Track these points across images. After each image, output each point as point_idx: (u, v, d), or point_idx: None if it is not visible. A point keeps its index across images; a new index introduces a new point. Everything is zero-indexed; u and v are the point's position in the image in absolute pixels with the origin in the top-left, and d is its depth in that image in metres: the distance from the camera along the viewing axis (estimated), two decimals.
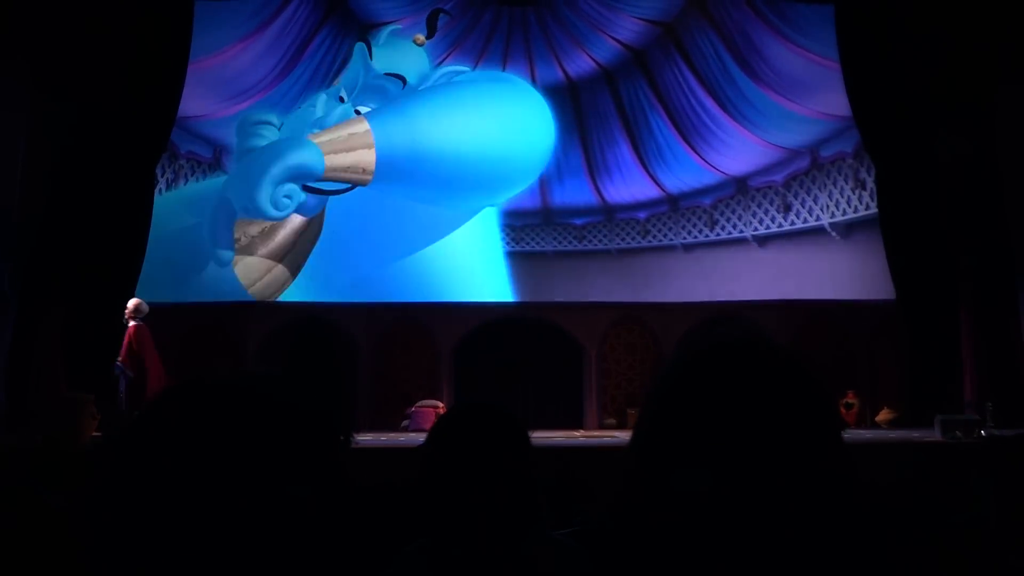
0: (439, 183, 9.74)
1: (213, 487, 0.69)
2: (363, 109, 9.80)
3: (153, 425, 0.73)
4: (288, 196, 9.48)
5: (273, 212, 9.47)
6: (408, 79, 9.89)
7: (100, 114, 8.73)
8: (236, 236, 9.55)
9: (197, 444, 0.71)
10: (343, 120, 9.75)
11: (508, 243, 9.98)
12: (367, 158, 9.60)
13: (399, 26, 10.04)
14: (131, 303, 8.07)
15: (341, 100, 9.81)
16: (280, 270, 9.63)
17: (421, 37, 9.91)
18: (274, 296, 9.59)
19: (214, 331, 9.43)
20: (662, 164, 10.08)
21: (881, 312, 9.37)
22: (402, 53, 9.92)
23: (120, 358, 7.84)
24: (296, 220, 9.69)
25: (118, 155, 8.87)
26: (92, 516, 0.72)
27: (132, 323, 7.95)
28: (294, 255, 9.70)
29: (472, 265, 9.88)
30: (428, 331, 9.67)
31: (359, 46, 9.94)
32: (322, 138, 9.64)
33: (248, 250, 9.57)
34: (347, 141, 9.63)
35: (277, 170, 9.43)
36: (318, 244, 9.75)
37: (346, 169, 9.62)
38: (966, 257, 8.86)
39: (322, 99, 9.83)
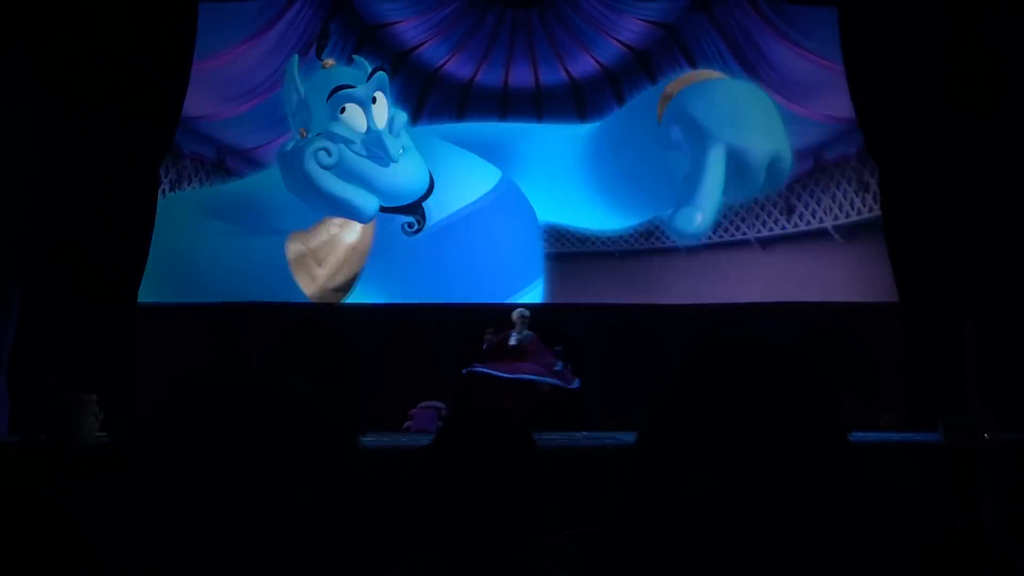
0: None
1: (218, 487, 0.69)
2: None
3: (159, 426, 0.73)
4: None
5: None
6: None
7: (104, 113, 8.74)
8: (294, 247, 9.45)
9: (202, 445, 0.71)
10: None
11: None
12: None
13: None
14: None
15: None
16: (342, 277, 9.61)
17: (330, 61, 9.71)
18: (338, 299, 9.59)
19: (217, 332, 9.41)
20: None
21: (884, 315, 9.35)
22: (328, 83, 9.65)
23: None
24: (353, 235, 9.60)
25: (122, 155, 8.88)
26: (97, 516, 0.72)
27: None
28: (350, 265, 9.63)
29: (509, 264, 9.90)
30: (430, 332, 9.66)
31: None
32: None
33: (310, 259, 9.54)
34: None
35: None
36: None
37: None
38: (971, 259, 8.84)
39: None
